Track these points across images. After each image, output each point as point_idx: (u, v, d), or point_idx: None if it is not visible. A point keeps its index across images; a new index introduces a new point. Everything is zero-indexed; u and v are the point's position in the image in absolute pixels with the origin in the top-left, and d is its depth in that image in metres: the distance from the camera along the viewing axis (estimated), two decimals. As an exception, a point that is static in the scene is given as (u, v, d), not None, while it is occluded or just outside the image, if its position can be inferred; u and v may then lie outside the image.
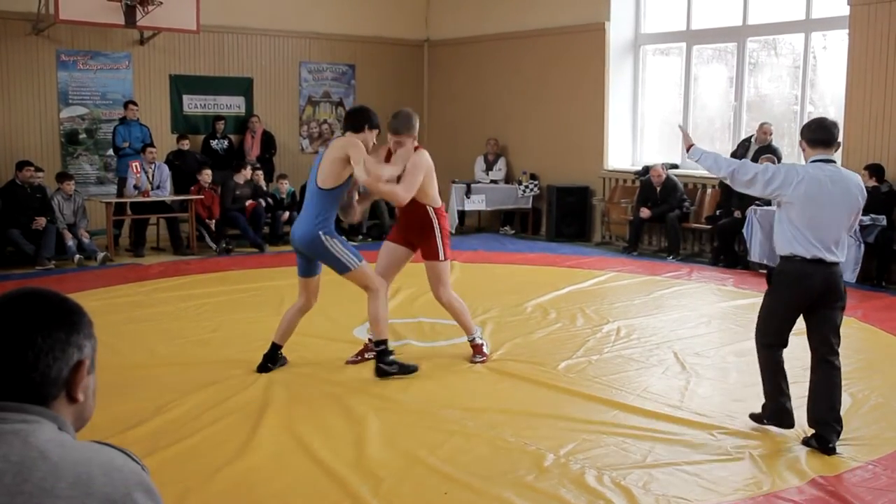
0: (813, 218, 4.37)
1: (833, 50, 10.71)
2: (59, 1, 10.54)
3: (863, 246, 8.94)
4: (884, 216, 9.08)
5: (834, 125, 4.56)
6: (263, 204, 11.88)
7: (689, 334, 6.99)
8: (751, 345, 6.57)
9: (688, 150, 4.86)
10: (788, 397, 4.64)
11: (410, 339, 6.77)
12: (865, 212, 9.01)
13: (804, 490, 4.01)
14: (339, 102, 14.41)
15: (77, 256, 10.20)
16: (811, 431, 4.55)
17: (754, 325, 4.79)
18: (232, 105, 13.29)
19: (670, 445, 4.57)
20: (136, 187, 10.95)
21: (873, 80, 9.57)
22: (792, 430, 4.64)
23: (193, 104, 13.00)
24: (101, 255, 10.30)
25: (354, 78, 14.48)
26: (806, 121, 5.03)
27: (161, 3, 11.03)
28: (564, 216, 12.50)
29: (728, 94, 11.81)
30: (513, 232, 13.41)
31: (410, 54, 15.02)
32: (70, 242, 10.25)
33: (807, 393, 4.60)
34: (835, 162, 4.53)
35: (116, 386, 5.46)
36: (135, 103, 11.74)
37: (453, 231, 13.03)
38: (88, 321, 1.55)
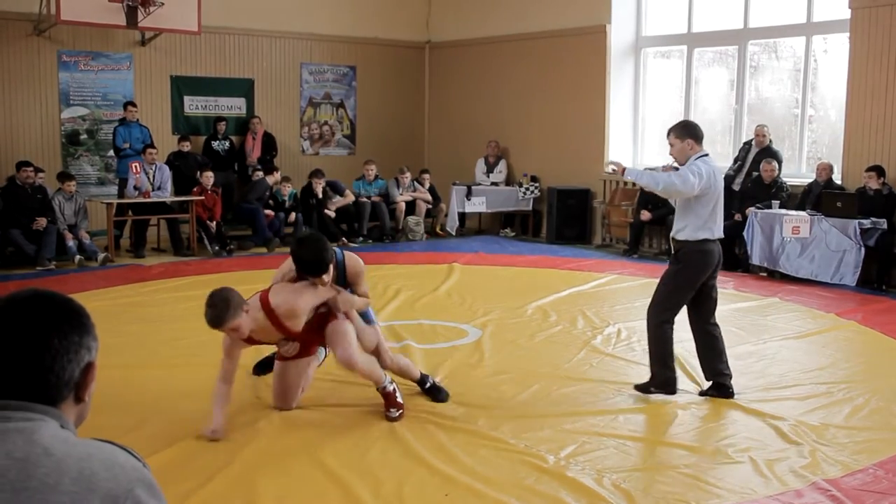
0: (715, 205, 5.22)
1: (834, 53, 10.72)
2: (61, 2, 10.56)
3: (863, 249, 8.94)
4: (884, 219, 9.08)
5: None
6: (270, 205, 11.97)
7: (690, 337, 6.94)
8: (751, 348, 6.64)
9: (622, 174, 5.32)
10: (673, 368, 5.42)
11: (411, 340, 6.77)
12: (866, 215, 9.04)
13: (804, 493, 4.01)
14: (339, 104, 14.42)
15: (77, 257, 10.21)
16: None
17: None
18: (233, 106, 13.30)
19: (671, 448, 4.57)
20: (136, 188, 10.95)
21: (874, 83, 9.58)
22: (675, 395, 5.32)
23: (194, 105, 13.00)
24: (101, 256, 10.30)
25: (355, 79, 14.49)
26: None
27: (162, 3, 11.05)
28: (565, 219, 12.50)
29: (729, 97, 11.81)
30: (513, 234, 13.41)
31: (412, 56, 15.03)
32: (70, 243, 10.26)
33: (695, 353, 5.51)
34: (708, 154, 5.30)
35: (118, 387, 5.46)
36: (134, 104, 11.74)
37: (454, 233, 13.05)
38: (93, 323, 1.57)
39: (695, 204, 5.17)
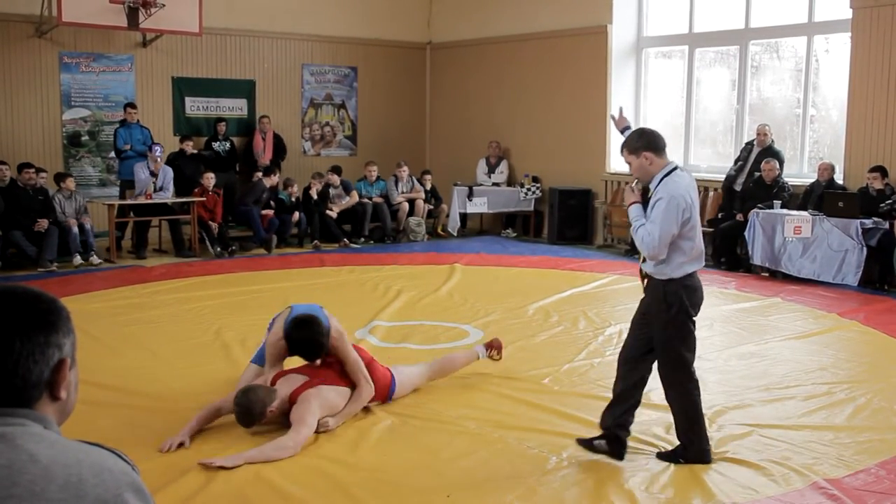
0: (697, 229, 4.23)
1: (835, 53, 10.71)
2: (62, 3, 10.57)
3: (865, 249, 8.93)
4: (886, 221, 9.06)
5: None
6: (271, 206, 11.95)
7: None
8: (753, 348, 6.63)
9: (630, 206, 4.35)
10: (707, 437, 4.38)
11: (411, 342, 6.77)
12: (868, 215, 9.03)
13: (806, 493, 4.00)
14: (341, 105, 14.42)
15: (77, 260, 10.17)
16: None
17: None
18: (234, 107, 13.30)
19: (672, 448, 4.55)
20: (152, 173, 10.97)
21: (875, 83, 9.57)
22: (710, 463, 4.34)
23: (195, 106, 13.01)
24: (96, 261, 10.30)
25: (357, 80, 14.49)
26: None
27: (163, 5, 11.05)
28: (566, 219, 12.49)
29: (730, 97, 11.80)
30: (514, 235, 13.40)
31: (413, 57, 15.03)
32: (74, 230, 10.21)
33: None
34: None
35: (118, 388, 5.46)
36: (134, 106, 11.75)
37: (455, 234, 13.04)
38: (66, 316, 1.51)
39: (677, 239, 4.16)
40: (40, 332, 1.45)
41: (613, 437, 4.36)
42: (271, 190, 11.93)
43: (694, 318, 4.27)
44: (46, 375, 1.46)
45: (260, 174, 12.15)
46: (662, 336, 4.24)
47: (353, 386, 4.91)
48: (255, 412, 4.58)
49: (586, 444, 4.40)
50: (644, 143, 4.16)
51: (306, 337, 4.73)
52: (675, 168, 4.21)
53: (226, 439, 4.59)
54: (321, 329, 4.76)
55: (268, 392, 4.65)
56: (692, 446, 4.31)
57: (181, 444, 4.49)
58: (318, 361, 4.88)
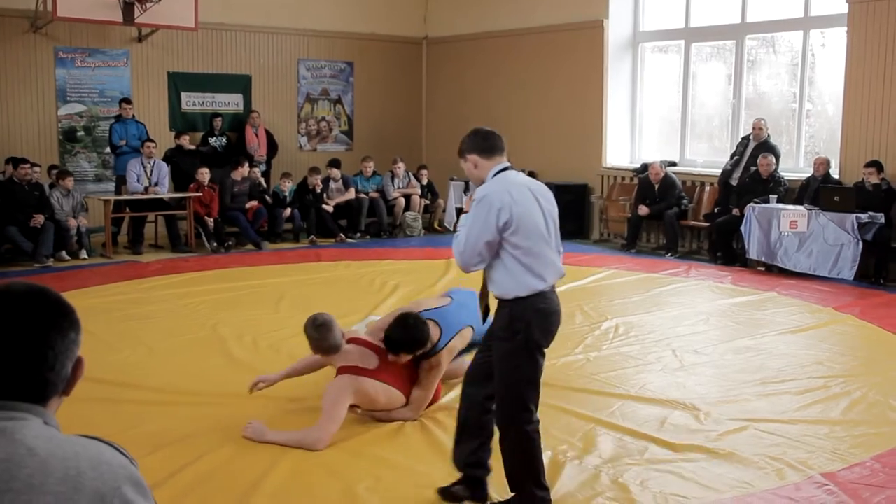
0: (538, 239, 3.60)
1: (831, 47, 10.71)
2: (57, -2, 10.54)
3: (861, 243, 8.94)
4: (882, 214, 9.08)
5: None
6: (267, 202, 11.89)
7: (688, 332, 7.00)
8: (749, 342, 6.64)
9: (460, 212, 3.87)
10: (547, 487, 3.73)
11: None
12: (864, 209, 9.04)
13: (802, 487, 4.01)
14: (337, 100, 14.41)
15: (64, 255, 10.17)
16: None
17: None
18: (230, 102, 13.28)
19: (668, 443, 4.56)
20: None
21: (872, 77, 9.57)
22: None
23: (191, 101, 12.99)
24: (83, 255, 10.33)
25: (353, 75, 14.47)
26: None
27: (159, 0, 11.02)
28: (563, 213, 12.28)
29: (727, 91, 11.80)
30: (511, 229, 13.38)
31: (409, 52, 15.01)
32: (72, 231, 10.23)
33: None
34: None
35: (115, 385, 5.46)
36: (129, 101, 11.73)
37: (452, 229, 13.03)
38: (79, 318, 1.56)
39: (507, 247, 3.52)
40: (71, 329, 1.51)
41: (472, 480, 3.82)
42: (247, 180, 11.74)
43: (544, 349, 3.62)
44: (69, 372, 1.51)
45: (247, 168, 11.96)
46: (502, 367, 3.59)
47: (407, 397, 4.82)
48: (315, 339, 4.64)
49: (446, 493, 3.84)
50: (468, 145, 3.72)
51: (401, 338, 4.65)
52: (505, 168, 3.70)
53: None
54: (418, 334, 4.68)
55: (333, 336, 4.64)
56: (524, 499, 3.66)
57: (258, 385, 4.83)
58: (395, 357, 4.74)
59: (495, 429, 3.76)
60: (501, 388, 3.61)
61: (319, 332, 4.65)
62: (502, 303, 3.60)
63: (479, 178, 3.70)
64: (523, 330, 3.52)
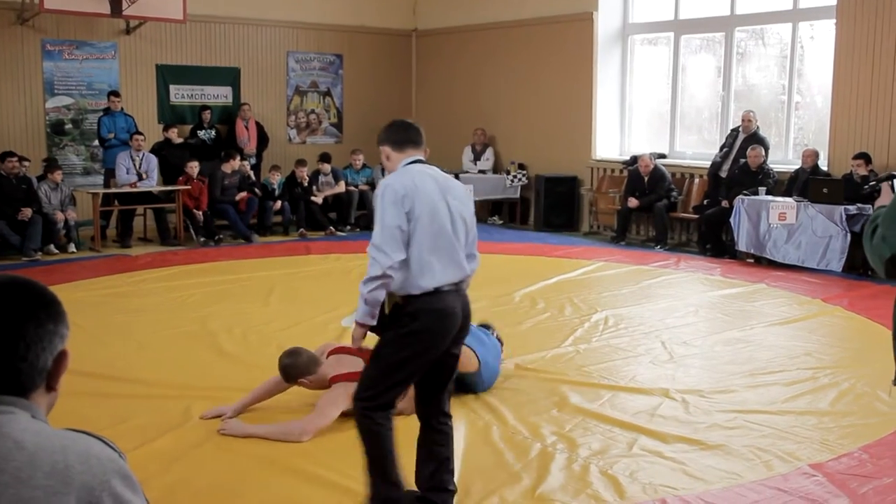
0: (439, 233, 3.42)
1: (820, 40, 10.73)
2: (44, -10, 10.47)
3: (849, 235, 8.98)
4: (870, 205, 9.11)
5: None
6: (257, 194, 11.85)
7: (677, 323, 7.01)
8: (738, 334, 6.66)
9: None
10: (399, 483, 3.60)
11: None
12: (852, 201, 9.08)
13: (790, 478, 4.03)
14: (326, 92, 14.37)
15: (52, 248, 10.14)
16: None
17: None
18: (219, 95, 13.23)
19: (657, 434, 4.58)
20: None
21: (860, 69, 9.60)
22: None
23: (180, 94, 12.93)
24: (72, 249, 10.31)
25: (342, 68, 14.43)
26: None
27: (147, -8, 10.97)
28: (552, 206, 12.50)
29: (716, 83, 11.82)
30: (501, 222, 13.41)
31: (398, 44, 14.98)
32: (59, 225, 10.20)
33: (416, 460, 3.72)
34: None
35: (104, 378, 5.44)
36: (117, 94, 11.67)
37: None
38: (65, 311, 1.54)
39: (412, 238, 3.39)
40: (50, 320, 1.48)
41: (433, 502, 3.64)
42: (237, 173, 11.72)
43: (431, 352, 3.45)
44: (48, 365, 1.48)
45: (238, 160, 11.95)
46: (375, 348, 3.50)
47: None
48: (291, 376, 4.65)
49: None
50: (382, 136, 3.61)
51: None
52: (414, 161, 3.54)
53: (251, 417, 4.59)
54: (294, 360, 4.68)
55: (310, 362, 4.65)
56: (374, 494, 3.55)
57: (220, 415, 4.65)
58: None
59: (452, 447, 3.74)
60: (367, 368, 3.58)
61: (292, 357, 4.67)
62: (395, 302, 3.47)
63: (391, 171, 3.58)
64: (409, 324, 3.41)
